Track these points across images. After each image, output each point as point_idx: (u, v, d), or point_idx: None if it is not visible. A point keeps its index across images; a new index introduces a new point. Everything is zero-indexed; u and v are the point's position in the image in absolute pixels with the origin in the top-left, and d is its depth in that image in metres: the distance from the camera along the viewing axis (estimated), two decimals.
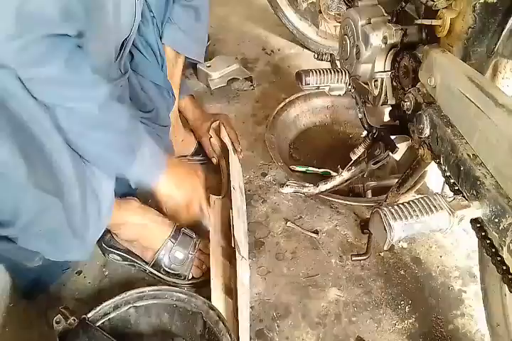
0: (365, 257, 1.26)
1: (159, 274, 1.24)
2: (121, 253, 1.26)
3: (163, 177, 1.04)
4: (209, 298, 1.09)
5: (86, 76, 0.81)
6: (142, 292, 1.07)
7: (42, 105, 0.78)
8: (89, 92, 0.83)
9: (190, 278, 1.24)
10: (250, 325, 1.16)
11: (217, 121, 1.54)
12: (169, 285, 1.22)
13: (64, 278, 1.25)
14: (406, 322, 1.20)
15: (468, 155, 0.78)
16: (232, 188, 1.30)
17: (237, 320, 1.07)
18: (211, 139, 1.53)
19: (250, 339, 1.14)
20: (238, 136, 1.57)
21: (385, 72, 1.07)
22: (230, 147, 1.47)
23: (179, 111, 1.51)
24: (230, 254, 1.22)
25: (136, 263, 1.26)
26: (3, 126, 0.72)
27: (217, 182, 1.48)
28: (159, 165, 1.03)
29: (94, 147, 0.89)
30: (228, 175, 1.41)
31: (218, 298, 1.12)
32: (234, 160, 1.44)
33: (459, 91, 0.80)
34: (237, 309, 1.08)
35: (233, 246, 1.17)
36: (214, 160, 1.54)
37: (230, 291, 1.16)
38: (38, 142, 0.78)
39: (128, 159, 0.95)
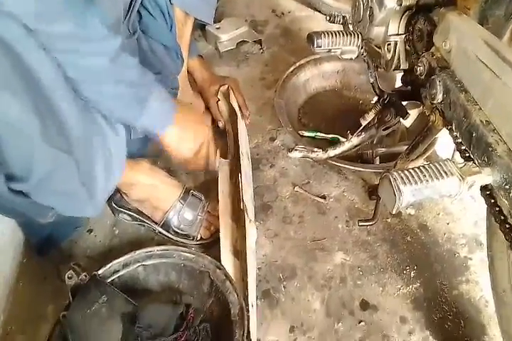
0: (372, 223, 1.26)
1: (168, 234, 1.26)
2: (131, 213, 1.28)
3: (171, 129, 1.02)
4: (217, 259, 1.10)
5: (97, 31, 0.80)
6: (150, 251, 1.10)
7: (53, 59, 0.77)
8: (100, 47, 0.82)
9: (198, 238, 1.26)
10: (257, 286, 1.18)
11: (226, 85, 1.53)
12: (178, 245, 1.25)
13: (75, 235, 1.28)
14: (411, 286, 1.21)
15: (481, 121, 0.77)
16: (240, 153, 1.31)
17: (245, 281, 1.09)
18: (219, 103, 1.52)
19: (257, 298, 1.16)
20: (246, 100, 1.56)
21: (398, 35, 1.04)
22: (238, 112, 1.47)
23: (188, 72, 1.50)
24: (237, 217, 1.24)
25: (146, 223, 1.28)
26: (17, 81, 0.72)
27: (223, 146, 1.48)
28: (168, 117, 1.01)
29: (103, 99, 0.89)
30: (236, 139, 1.41)
31: (227, 259, 1.14)
32: (241, 125, 1.43)
33: (474, 56, 0.78)
34: (244, 270, 1.10)
35: (242, 208, 1.19)
36: (220, 124, 1.53)
37: (238, 253, 1.18)
38: (49, 99, 0.77)
39: (138, 110, 0.94)
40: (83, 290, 0.99)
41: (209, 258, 1.09)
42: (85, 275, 1.01)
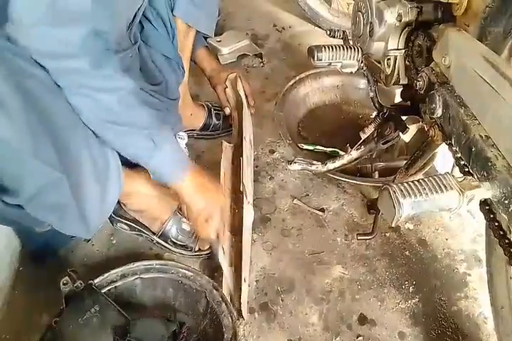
0: (370, 237, 1.27)
1: (166, 245, 1.26)
2: (129, 222, 1.27)
3: (187, 182, 1.05)
4: (214, 271, 1.10)
5: (108, 71, 0.84)
6: (150, 264, 1.10)
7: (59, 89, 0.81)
8: (109, 83, 0.85)
9: (196, 250, 1.26)
10: (254, 298, 1.19)
11: (235, 73, 1.54)
12: (175, 255, 1.26)
13: (73, 244, 1.27)
14: (409, 302, 1.21)
15: (480, 136, 0.77)
16: (243, 138, 1.32)
17: (241, 254, 1.13)
18: (227, 90, 1.54)
19: (254, 311, 1.16)
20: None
21: (398, 50, 1.05)
22: (244, 100, 1.48)
23: (194, 63, 1.52)
24: (235, 199, 1.28)
25: (144, 233, 1.28)
26: (14, 100, 0.73)
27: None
28: (181, 166, 1.04)
29: (114, 138, 0.92)
30: (240, 125, 1.43)
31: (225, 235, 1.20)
32: (246, 113, 1.45)
33: (473, 72, 0.79)
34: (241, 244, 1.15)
35: (241, 190, 1.21)
36: (227, 110, 1.55)
37: (235, 230, 1.22)
38: (49, 120, 0.79)
39: (147, 153, 0.96)
40: (76, 297, 0.98)
41: (206, 277, 1.09)
42: (81, 283, 1.00)
